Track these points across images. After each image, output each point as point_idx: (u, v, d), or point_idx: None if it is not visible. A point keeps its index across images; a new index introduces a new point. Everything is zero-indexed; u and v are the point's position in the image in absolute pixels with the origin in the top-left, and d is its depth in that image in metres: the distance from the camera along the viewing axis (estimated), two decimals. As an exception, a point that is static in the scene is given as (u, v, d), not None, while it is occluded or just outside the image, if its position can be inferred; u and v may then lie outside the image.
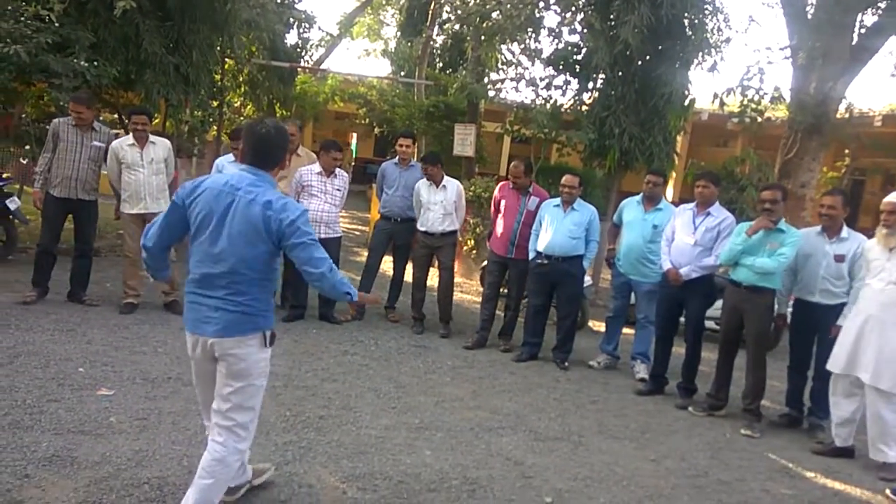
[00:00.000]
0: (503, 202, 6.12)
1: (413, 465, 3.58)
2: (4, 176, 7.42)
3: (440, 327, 6.42)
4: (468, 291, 8.56)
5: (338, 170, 6.25)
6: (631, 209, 5.90)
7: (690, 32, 8.15)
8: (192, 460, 3.28)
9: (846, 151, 13.25)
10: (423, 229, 6.35)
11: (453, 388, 4.91)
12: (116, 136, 6.20)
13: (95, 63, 7.35)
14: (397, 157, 6.70)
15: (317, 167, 6.16)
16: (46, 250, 5.79)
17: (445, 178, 6.36)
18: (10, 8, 6.90)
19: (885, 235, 4.26)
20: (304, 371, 4.83)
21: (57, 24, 6.97)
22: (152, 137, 6.01)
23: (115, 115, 9.80)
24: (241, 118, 14.86)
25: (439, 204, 6.24)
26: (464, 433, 4.09)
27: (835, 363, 4.38)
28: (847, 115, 10.21)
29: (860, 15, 8.98)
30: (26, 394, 3.88)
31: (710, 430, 4.63)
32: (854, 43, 8.98)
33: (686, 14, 8.13)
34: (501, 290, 6.41)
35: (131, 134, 5.88)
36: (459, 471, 3.58)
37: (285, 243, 2.61)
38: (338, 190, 6.17)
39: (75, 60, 7.06)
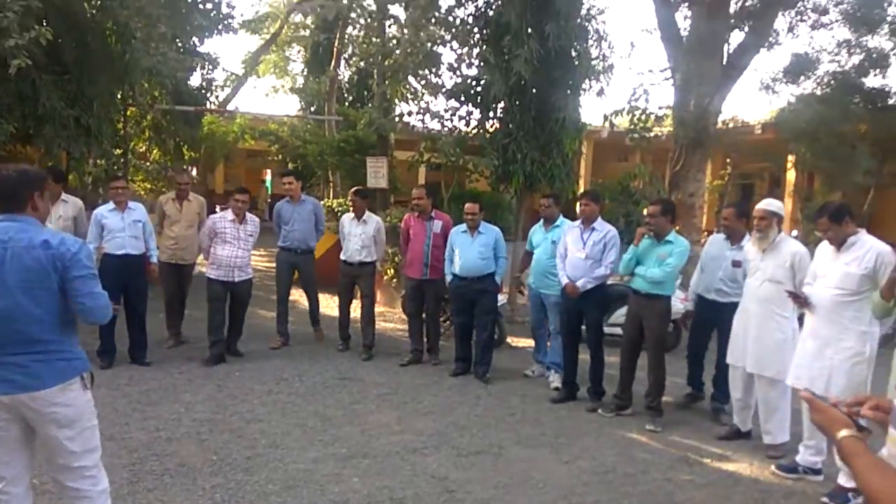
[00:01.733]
0: (410, 231, 6.64)
1: (341, 493, 3.74)
2: None
3: (362, 352, 6.78)
4: (391, 320, 8.76)
5: (248, 215, 6.50)
6: (536, 233, 6.44)
7: (577, 62, 8.75)
8: (120, 513, 3.33)
9: (727, 160, 14.36)
10: (343, 258, 6.89)
11: (379, 415, 5.10)
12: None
13: (-9, 120, 7.20)
14: (287, 196, 7.24)
15: (229, 214, 6.38)
16: None
17: (367, 213, 6.92)
18: None
19: (757, 239, 4.78)
20: (228, 414, 4.90)
21: (-53, 84, 6.82)
22: (64, 196, 6.08)
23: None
24: (148, 164, 14.64)
25: (358, 236, 6.79)
26: (390, 457, 4.29)
27: (730, 355, 4.88)
28: (728, 126, 11.19)
29: (728, 36, 9.91)
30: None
31: (617, 430, 5.01)
32: (725, 62, 9.90)
33: (573, 44, 8.73)
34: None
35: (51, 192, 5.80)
36: (386, 493, 3.77)
37: (67, 276, 2.56)
38: (250, 235, 6.46)
39: (-32, 119, 6.91)
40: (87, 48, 8.05)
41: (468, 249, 6.14)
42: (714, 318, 5.35)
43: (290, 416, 4.97)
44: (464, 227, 6.27)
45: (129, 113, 11.04)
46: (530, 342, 7.43)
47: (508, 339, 7.76)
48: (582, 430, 4.97)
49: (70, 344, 2.68)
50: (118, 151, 10.31)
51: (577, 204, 5.86)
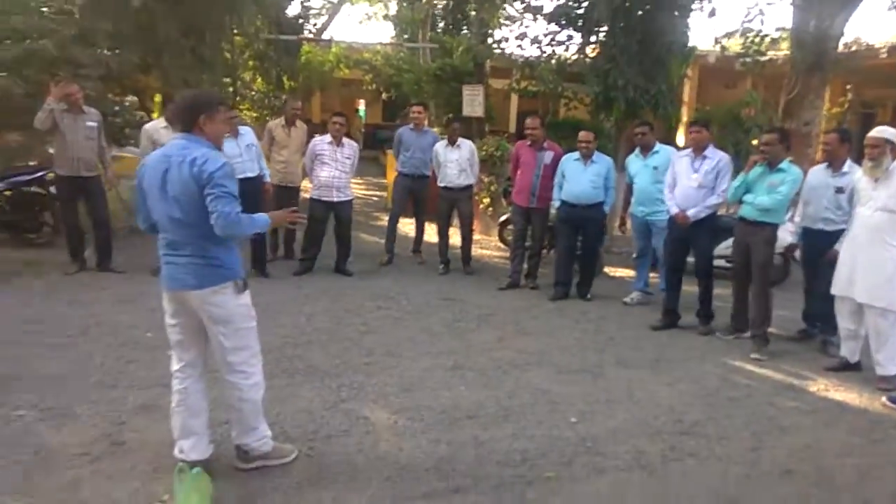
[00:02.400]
0: (521, 159, 6.74)
1: (452, 398, 4.04)
2: (37, 165, 7.85)
3: (463, 268, 7.31)
4: (487, 247, 8.96)
5: (346, 139, 6.84)
6: (633, 163, 6.45)
7: (689, -20, 8.32)
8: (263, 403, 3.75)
9: (847, 87, 13.33)
10: (442, 185, 7.19)
11: (480, 333, 5.36)
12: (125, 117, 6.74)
13: (117, 51, 7.69)
14: (411, 123, 7.51)
15: (327, 137, 6.76)
16: (74, 225, 6.38)
17: (460, 138, 7.16)
18: (33, 3, 7.25)
19: (870, 167, 4.57)
20: (345, 325, 5.30)
21: (78, 17, 7.31)
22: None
23: (136, 98, 10.14)
24: (253, 92, 15.18)
25: (455, 161, 7.09)
26: (494, 371, 4.54)
27: (836, 286, 4.77)
28: (851, 50, 10.36)
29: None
30: (104, 358, 4.38)
31: (721, 356, 5.06)
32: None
33: (683, -38, 8.28)
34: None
35: (164, 118, 6.30)
36: (493, 401, 4.03)
37: (205, 192, 2.79)
38: (347, 158, 6.80)
39: (99, 51, 7.42)
40: (200, -22, 8.37)
41: (580, 177, 6.30)
42: (825, 247, 5.20)
43: (400, 329, 5.31)
44: (576, 154, 6.37)
45: (235, 43, 11.44)
46: (628, 273, 7.51)
47: (606, 269, 7.80)
48: (684, 355, 5.05)
49: (222, 252, 2.94)
50: (228, 80, 10.77)
51: (687, 131, 5.74)
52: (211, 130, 2.94)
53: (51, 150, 8.58)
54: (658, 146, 6.33)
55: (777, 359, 5.04)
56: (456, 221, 7.47)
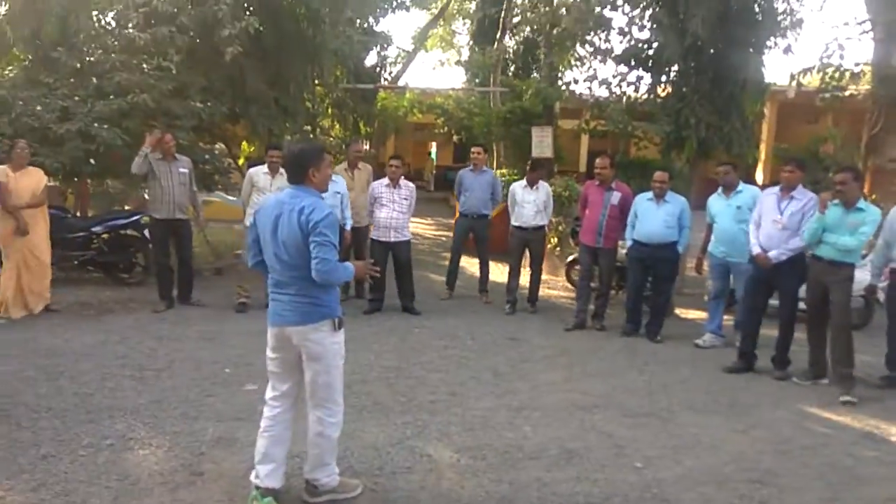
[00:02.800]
0: (589, 198, 6.82)
1: (515, 439, 4.06)
2: (132, 210, 8.49)
3: (528, 307, 7.40)
4: (554, 287, 8.95)
5: (403, 181, 7.13)
6: (715, 202, 6.37)
7: (761, 18, 8.22)
8: (329, 438, 3.90)
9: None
10: (516, 224, 7.36)
11: (546, 374, 5.36)
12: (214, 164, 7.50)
13: (208, 103, 8.28)
14: (471, 164, 7.75)
15: (385, 180, 7.06)
16: (165, 265, 6.87)
17: (540, 181, 7.38)
18: (135, 62, 7.94)
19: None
20: (411, 364, 5.42)
21: (174, 72, 7.95)
22: (281, 170, 6.97)
23: (223, 146, 10.80)
24: (331, 138, 15.85)
25: (532, 202, 7.28)
26: (559, 412, 4.53)
27: None
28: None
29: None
30: (187, 391, 4.65)
31: (796, 403, 4.86)
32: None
33: (756, 1, 8.20)
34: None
35: (266, 164, 6.86)
36: (557, 442, 4.03)
37: (310, 239, 3.01)
38: (405, 199, 7.07)
39: (192, 103, 8.02)
40: (284, 34, 8.93)
41: (653, 216, 6.34)
42: None
43: (465, 369, 5.38)
44: (650, 194, 6.43)
45: (316, 92, 12.06)
46: (698, 314, 7.33)
47: (677, 311, 7.64)
48: (757, 401, 4.88)
49: (322, 292, 3.14)
50: (308, 128, 11.34)
51: (782, 171, 5.60)
52: (318, 179, 3.18)
53: (146, 196, 9.31)
54: (742, 186, 6.28)
55: (857, 407, 4.80)
56: (526, 262, 7.55)
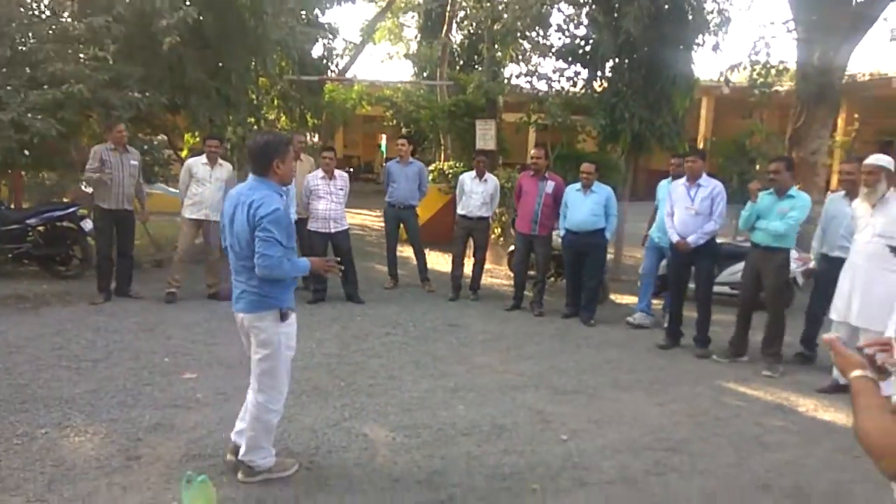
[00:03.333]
0: (523, 188, 7.08)
1: (449, 417, 4.24)
2: (69, 202, 8.34)
3: (470, 295, 7.61)
4: (497, 276, 9.18)
5: (337, 171, 7.26)
6: (662, 189, 6.69)
7: (691, 16, 8.59)
8: (267, 421, 4.01)
9: (856, 116, 13.40)
10: (462, 213, 7.57)
11: (483, 357, 5.56)
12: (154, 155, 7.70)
13: (147, 93, 8.16)
14: (397, 156, 7.98)
15: (320, 172, 7.18)
16: (107, 256, 6.84)
17: (487, 173, 7.61)
18: (70, 51, 7.78)
19: (866, 194, 4.73)
20: (352, 350, 5.54)
21: (111, 62, 7.82)
22: (220, 161, 7.01)
23: (165, 137, 10.63)
24: (277, 130, 15.72)
25: (480, 193, 7.50)
26: (492, 392, 4.73)
27: (834, 311, 4.88)
28: (862, 80, 10.48)
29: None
30: (125, 381, 4.67)
31: (714, 379, 5.19)
32: (853, 11, 9.26)
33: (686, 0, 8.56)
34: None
35: (205, 155, 6.92)
36: (489, 420, 4.22)
37: (254, 235, 3.10)
38: (340, 189, 7.20)
39: (130, 93, 7.90)
40: (225, 24, 8.82)
41: (581, 206, 6.65)
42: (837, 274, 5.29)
43: (405, 354, 5.53)
44: (578, 185, 6.74)
45: (260, 83, 11.95)
46: (633, 299, 7.65)
47: (612, 296, 7.96)
48: (678, 379, 5.19)
49: (269, 284, 3.20)
50: (252, 120, 11.25)
51: (686, 160, 6.02)
52: (283, 172, 3.24)
53: (84, 189, 9.13)
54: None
55: (770, 381, 5.16)
56: (469, 251, 7.76)
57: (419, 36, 20.64)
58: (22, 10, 8.22)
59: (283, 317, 3.27)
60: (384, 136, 24.28)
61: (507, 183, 9.58)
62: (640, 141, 9.00)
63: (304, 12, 11.34)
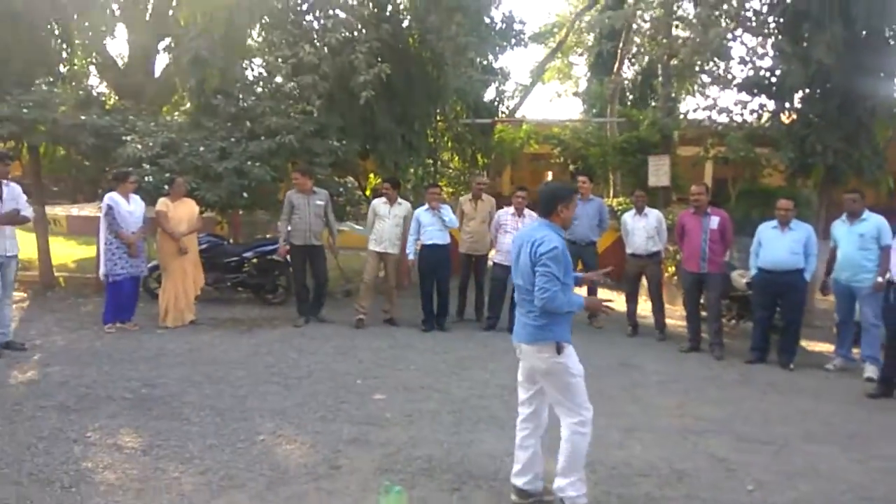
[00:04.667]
0: (686, 226, 7.00)
1: (625, 458, 4.25)
2: (275, 238, 9.43)
3: (656, 334, 7.55)
4: (671, 316, 8.87)
5: (527, 211, 7.50)
6: (838, 228, 6.43)
7: (892, 42, 7.92)
8: (449, 444, 4.31)
9: None
10: (630, 251, 7.61)
11: (660, 398, 5.47)
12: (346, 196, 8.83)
13: (343, 142, 9.11)
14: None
15: (511, 209, 7.54)
16: (303, 285, 7.76)
17: (647, 207, 7.62)
18: (283, 107, 8.93)
19: None
20: (526, 383, 5.71)
21: (315, 115, 8.85)
22: (399, 199, 7.81)
23: (353, 179, 11.68)
24: (450, 170, 16.58)
25: (642, 229, 7.51)
26: (670, 435, 4.65)
27: None
28: None
29: None
30: (325, 398, 5.22)
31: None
32: None
33: (886, 24, 7.91)
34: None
35: (384, 195, 7.73)
36: (667, 463, 4.17)
37: (534, 269, 3.39)
38: None
39: (330, 142, 8.88)
40: (411, 76, 9.66)
41: (777, 244, 6.40)
42: None
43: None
44: (774, 222, 6.51)
45: (437, 127, 12.77)
46: (825, 346, 7.11)
47: (803, 343, 7.39)
48: (881, 433, 4.74)
49: (548, 318, 3.44)
50: (430, 161, 12.03)
51: None
52: (565, 216, 3.64)
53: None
54: (866, 213, 6.26)
55: None
56: (644, 290, 7.72)
57: (589, 74, 20.77)
58: (245, 72, 9.59)
59: (559, 349, 3.46)
60: (550, 174, 24.52)
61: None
62: (836, 174, 8.38)
63: (479, 59, 12.00)
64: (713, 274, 6.79)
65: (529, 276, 3.44)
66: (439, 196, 7.79)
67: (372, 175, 12.63)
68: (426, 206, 7.68)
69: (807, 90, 8.49)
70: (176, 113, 11.03)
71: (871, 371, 6.09)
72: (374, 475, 3.87)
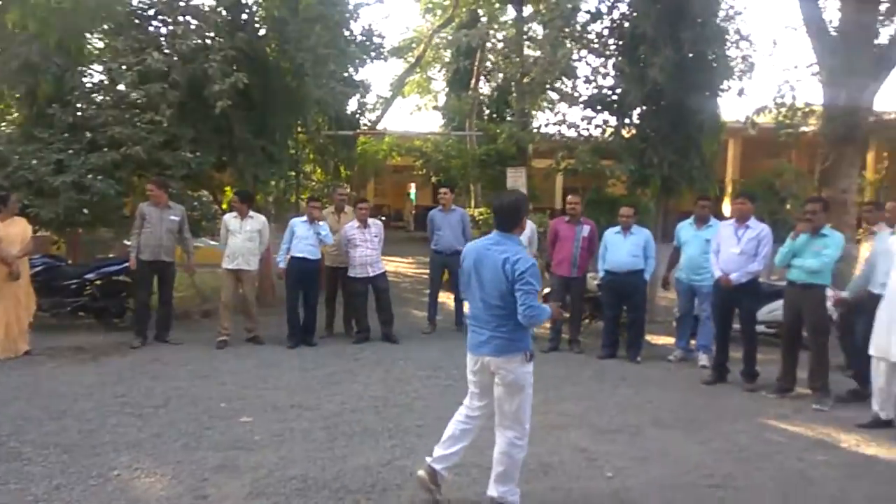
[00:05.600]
0: (559, 233, 7.39)
1: (497, 457, 4.38)
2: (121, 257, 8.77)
3: None
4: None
5: (371, 220, 7.70)
6: (685, 230, 7.06)
7: (715, 64, 8.88)
8: (323, 461, 4.23)
9: (885, 155, 13.44)
10: None
11: (525, 399, 5.70)
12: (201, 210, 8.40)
13: (197, 153, 8.67)
14: (440, 205, 8.31)
15: (355, 223, 7.63)
16: (145, 304, 7.33)
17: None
18: (128, 116, 8.34)
19: (904, 232, 4.85)
20: (397, 393, 5.74)
21: (166, 125, 8.35)
22: (251, 213, 7.56)
23: (207, 193, 11.11)
24: (313, 183, 16.30)
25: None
26: (536, 431, 4.79)
27: (873, 347, 4.96)
28: (888, 119, 10.61)
29: (878, 28, 9.47)
30: (186, 425, 4.92)
31: (754, 416, 5.26)
32: (876, 54, 9.45)
33: (710, 48, 8.86)
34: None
35: (235, 210, 7.48)
36: (535, 458, 4.34)
37: (515, 286, 3.42)
38: (375, 237, 7.62)
39: (182, 153, 8.41)
40: (269, 87, 9.41)
41: (620, 247, 6.93)
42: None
43: (449, 396, 5.67)
44: (617, 228, 7.03)
45: (298, 139, 12.52)
46: (668, 340, 7.77)
47: (647, 337, 8.03)
48: (718, 416, 5.27)
49: (519, 330, 3.53)
50: (292, 174, 11.76)
51: (732, 203, 6.28)
52: (521, 227, 3.65)
53: (126, 243, 9.64)
54: (712, 220, 6.96)
55: (810, 416, 5.22)
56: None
57: (447, 88, 21.36)
58: (84, 79, 8.85)
59: (530, 358, 3.57)
60: (413, 185, 24.90)
61: (540, 227, 9.82)
62: (670, 184, 9.21)
63: (340, 72, 11.92)
64: (578, 278, 7.28)
65: (503, 294, 3.47)
66: (319, 211, 7.65)
67: (228, 188, 12.12)
68: (304, 217, 7.53)
69: (644, 107, 9.30)
70: (3, 123, 9.94)
71: (704, 360, 6.81)
72: (246, 501, 3.71)
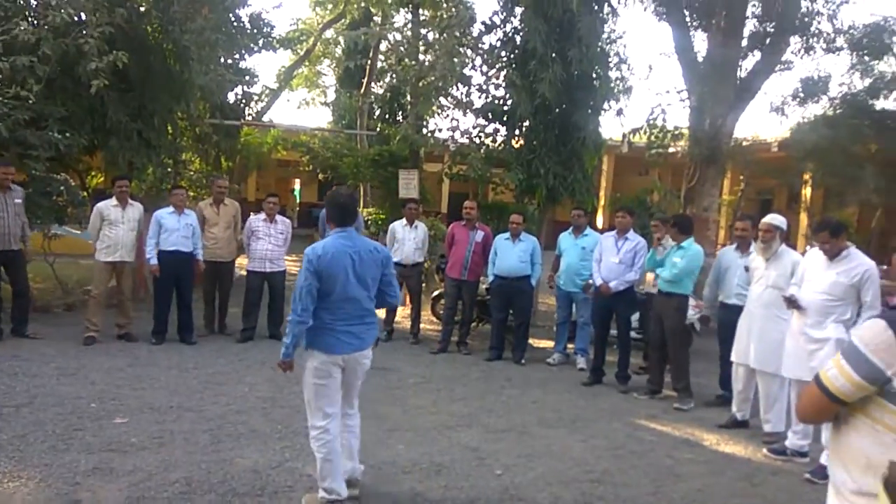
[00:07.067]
0: (455, 237, 7.58)
1: (389, 457, 4.41)
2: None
3: (410, 338, 7.95)
4: (422, 321, 9.41)
5: (279, 216, 7.55)
6: (564, 239, 7.40)
7: (598, 84, 9.44)
8: (208, 464, 4.06)
9: (741, 177, 14.88)
10: (397, 260, 7.65)
11: (416, 398, 5.78)
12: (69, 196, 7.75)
13: (67, 134, 7.98)
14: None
15: (262, 215, 7.46)
16: None
17: (416, 220, 8.01)
18: (-10, 90, 7.52)
19: (762, 249, 5.33)
20: (286, 393, 5.60)
21: (32, 101, 7.61)
22: (130, 200, 6.94)
23: (66, 176, 10.25)
24: (191, 172, 15.47)
25: (412, 240, 7.89)
26: (428, 432, 4.94)
27: (734, 354, 5.45)
28: (743, 144, 11.72)
29: (741, 59, 10.48)
30: (53, 426, 4.54)
31: (628, 416, 5.63)
32: (738, 84, 10.45)
33: (594, 68, 9.41)
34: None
35: (115, 196, 6.84)
36: (427, 458, 4.43)
37: (385, 272, 3.66)
38: (280, 233, 7.49)
39: (49, 133, 7.71)
40: (150, 68, 8.84)
41: (509, 253, 7.16)
42: (737, 319, 5.82)
43: (339, 397, 5.64)
44: (507, 234, 7.26)
45: (179, 126, 11.85)
46: (549, 343, 8.13)
47: (531, 340, 8.37)
48: (597, 416, 5.60)
49: (375, 317, 3.76)
50: (170, 161, 11.11)
51: (615, 216, 6.69)
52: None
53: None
54: (588, 230, 7.35)
55: (677, 417, 5.67)
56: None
57: (337, 85, 21.06)
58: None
59: (377, 343, 3.86)
60: (298, 181, 24.28)
61: (431, 231, 9.95)
62: (554, 194, 9.67)
63: (227, 58, 11.44)
64: (470, 282, 7.46)
65: (371, 285, 3.60)
66: (183, 200, 7.25)
67: (94, 173, 11.27)
68: (170, 208, 7.09)
69: (533, 120, 9.69)
70: None
71: (581, 363, 7.22)
72: (121, 506, 3.48)
